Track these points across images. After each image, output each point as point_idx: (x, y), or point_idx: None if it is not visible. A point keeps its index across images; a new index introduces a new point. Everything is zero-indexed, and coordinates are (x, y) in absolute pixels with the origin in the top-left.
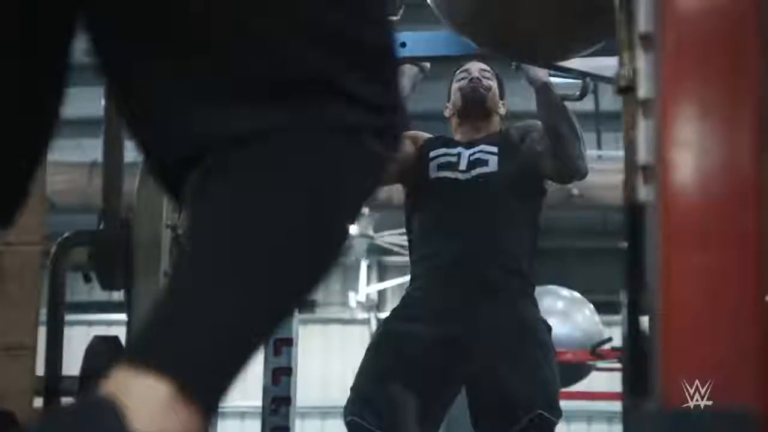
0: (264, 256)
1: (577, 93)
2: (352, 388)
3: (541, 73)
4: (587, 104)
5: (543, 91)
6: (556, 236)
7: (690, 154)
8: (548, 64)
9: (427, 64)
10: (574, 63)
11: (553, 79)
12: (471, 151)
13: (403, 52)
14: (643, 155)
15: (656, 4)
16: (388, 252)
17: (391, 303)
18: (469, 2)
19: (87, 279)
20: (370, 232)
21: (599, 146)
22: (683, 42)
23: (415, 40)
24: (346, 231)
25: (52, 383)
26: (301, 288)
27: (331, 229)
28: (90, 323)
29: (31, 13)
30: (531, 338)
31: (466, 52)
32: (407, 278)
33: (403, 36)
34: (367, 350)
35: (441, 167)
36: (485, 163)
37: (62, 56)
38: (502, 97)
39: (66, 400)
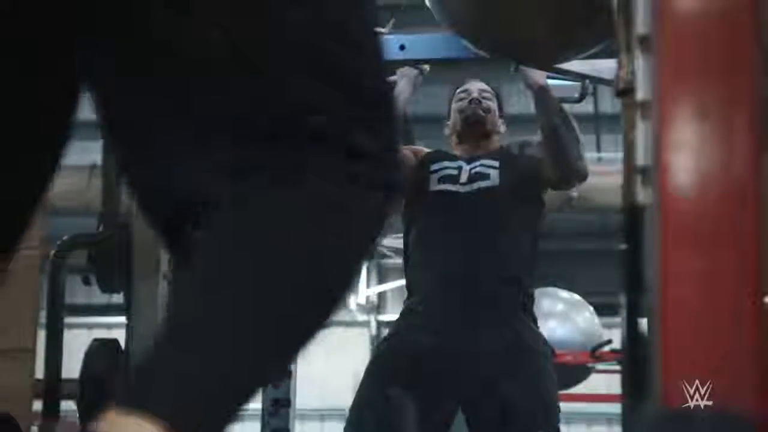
0: (264, 306)
1: (576, 95)
2: (351, 408)
3: (538, 76)
4: (587, 107)
5: (541, 94)
6: (556, 238)
7: (688, 156)
8: (547, 66)
9: (426, 67)
10: (573, 65)
11: (552, 82)
12: (472, 165)
13: (402, 55)
14: (641, 157)
15: (654, 6)
16: (388, 255)
17: (391, 305)
18: (467, 4)
19: (86, 282)
20: None
21: (599, 149)
22: (681, 44)
23: (414, 43)
24: (349, 280)
25: (52, 386)
26: (301, 338)
27: (333, 278)
28: (89, 326)
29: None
30: (531, 357)
31: (465, 54)
32: None
33: (402, 38)
34: (366, 372)
35: (442, 180)
36: (486, 176)
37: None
38: (501, 116)
39: (65, 404)
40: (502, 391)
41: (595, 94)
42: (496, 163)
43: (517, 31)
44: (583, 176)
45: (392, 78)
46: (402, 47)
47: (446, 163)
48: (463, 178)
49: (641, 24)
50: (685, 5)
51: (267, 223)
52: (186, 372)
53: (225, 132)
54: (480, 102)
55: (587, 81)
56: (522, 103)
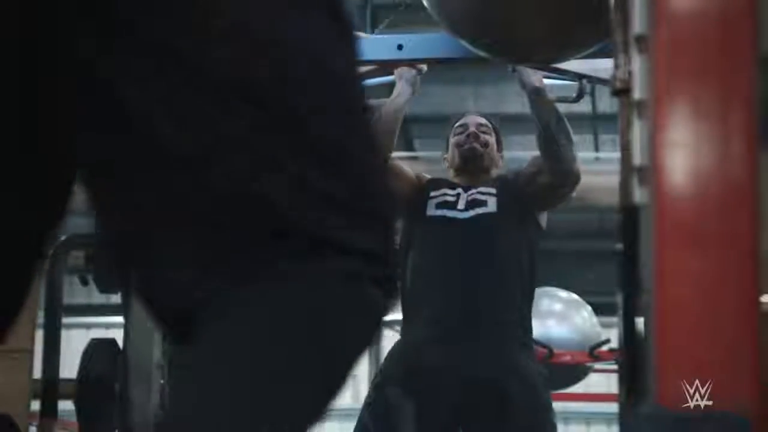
0: (264, 398)
1: (574, 95)
2: None
3: (534, 78)
4: (584, 106)
5: (536, 95)
6: (554, 238)
7: (684, 156)
8: (545, 65)
9: (424, 66)
10: (571, 65)
11: (549, 81)
12: (469, 192)
13: (400, 55)
14: (638, 157)
15: (650, 6)
16: None
17: None
18: (465, 4)
19: (84, 282)
20: None
21: (596, 148)
22: (677, 44)
23: (412, 42)
24: (347, 372)
25: (50, 386)
26: (302, 425)
27: (332, 371)
28: (88, 326)
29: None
30: (531, 393)
31: (463, 54)
32: None
33: (400, 38)
34: (359, 421)
35: (439, 206)
36: (484, 203)
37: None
38: (500, 151)
39: (64, 404)
40: (500, 425)
41: (592, 93)
42: (494, 191)
43: (515, 31)
44: (575, 178)
45: (390, 78)
46: (400, 47)
47: (445, 190)
48: (461, 204)
49: (638, 23)
50: (682, 5)
51: (268, 314)
52: None
53: (215, 235)
54: (478, 136)
55: (585, 80)
56: (521, 103)
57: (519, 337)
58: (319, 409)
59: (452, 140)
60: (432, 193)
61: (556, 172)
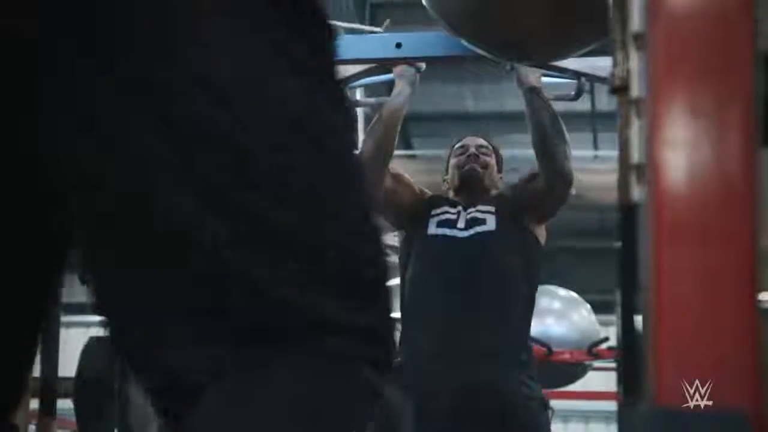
0: None
1: (572, 93)
2: None
3: (531, 77)
4: (584, 104)
5: (532, 94)
6: (553, 236)
7: (680, 153)
8: (543, 63)
9: (422, 65)
10: (570, 63)
11: (548, 79)
12: (469, 210)
13: (399, 53)
14: (636, 155)
15: (647, 4)
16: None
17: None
18: (463, 3)
19: (83, 280)
20: None
21: (596, 146)
22: (674, 41)
23: (411, 41)
24: None
25: (49, 384)
26: None
27: None
28: (87, 324)
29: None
30: (528, 414)
31: (461, 52)
32: None
33: (398, 36)
34: None
35: (440, 224)
36: (483, 222)
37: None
38: (500, 171)
39: (62, 402)
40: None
41: (592, 91)
42: (492, 209)
43: (513, 29)
44: (569, 177)
45: (389, 76)
46: (398, 45)
47: (447, 208)
48: (461, 223)
49: (636, 21)
50: (679, 3)
51: (262, 398)
52: None
53: (220, 324)
54: (478, 157)
55: (583, 78)
56: (520, 101)
57: (518, 355)
58: None
59: (452, 161)
60: (434, 211)
61: (550, 172)
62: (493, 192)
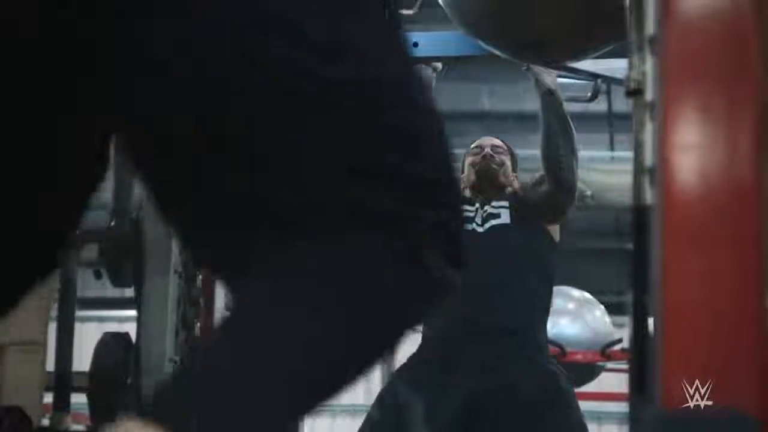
0: (297, 358)
1: (589, 94)
2: None
3: (549, 80)
4: (600, 105)
5: (548, 97)
6: (569, 237)
7: (691, 157)
8: (560, 65)
9: (439, 65)
10: (586, 64)
11: (564, 80)
12: (485, 207)
13: (416, 53)
14: (649, 157)
15: (660, 8)
16: None
17: None
18: (480, 3)
19: (98, 275)
20: None
21: (612, 148)
22: (686, 46)
23: (428, 41)
24: (390, 344)
25: (63, 379)
26: (326, 393)
27: (373, 342)
28: (101, 319)
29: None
30: (555, 398)
31: (478, 52)
32: None
33: (415, 36)
34: (369, 415)
35: None
36: (497, 216)
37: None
38: (515, 170)
39: (76, 396)
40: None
41: (609, 93)
42: (506, 203)
43: (530, 30)
44: (570, 190)
45: None
46: (415, 45)
47: (465, 206)
48: (479, 219)
49: (651, 25)
50: (691, 8)
51: (312, 283)
52: (208, 397)
53: (282, 217)
54: (493, 156)
55: (599, 80)
56: (536, 102)
57: (537, 339)
58: (348, 381)
59: (468, 160)
60: None
61: (552, 180)
62: (508, 190)
